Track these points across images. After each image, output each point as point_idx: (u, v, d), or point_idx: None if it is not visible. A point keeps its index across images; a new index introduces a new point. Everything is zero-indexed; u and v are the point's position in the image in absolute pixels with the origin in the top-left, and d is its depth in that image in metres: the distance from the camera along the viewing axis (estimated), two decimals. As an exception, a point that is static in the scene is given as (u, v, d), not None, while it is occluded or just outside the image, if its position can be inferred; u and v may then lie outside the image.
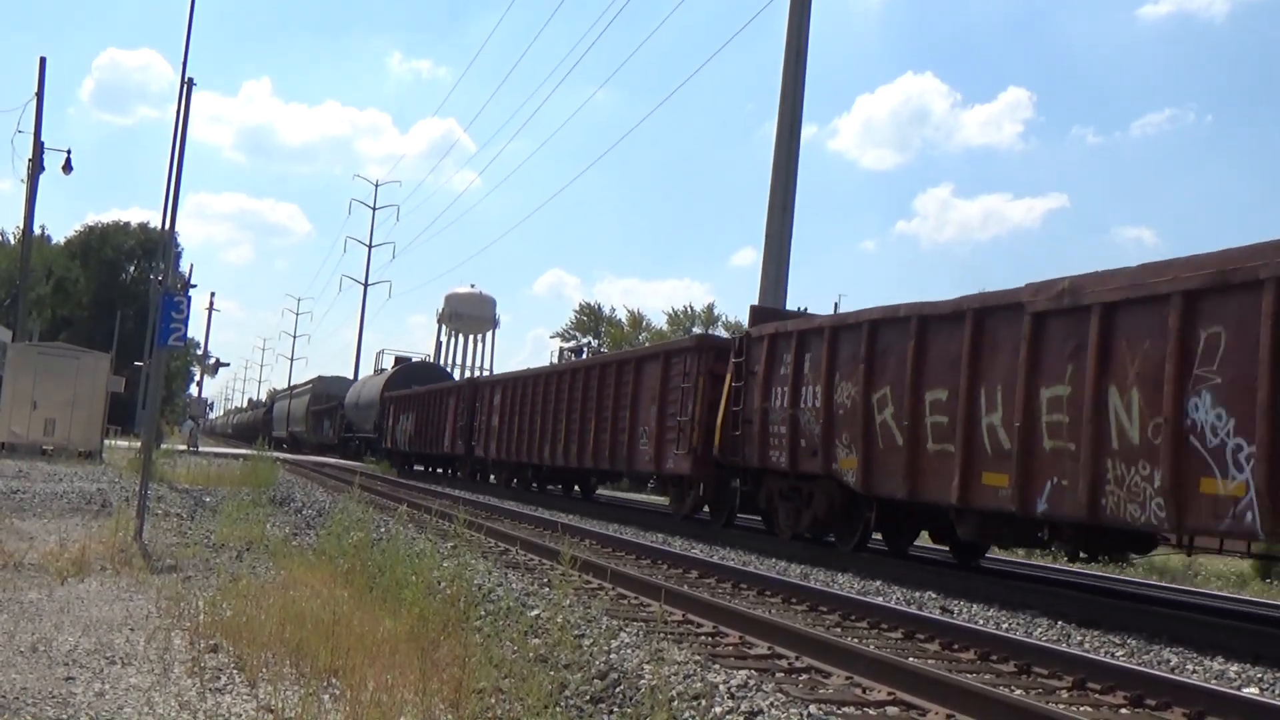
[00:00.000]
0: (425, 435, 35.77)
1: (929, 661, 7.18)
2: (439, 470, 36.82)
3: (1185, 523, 9.31)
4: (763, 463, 15.61)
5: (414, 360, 50.80)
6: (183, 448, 39.08)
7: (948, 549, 15.25)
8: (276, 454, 31.78)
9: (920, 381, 12.42)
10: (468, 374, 71.82)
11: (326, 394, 55.96)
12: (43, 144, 35.28)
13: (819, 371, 14.34)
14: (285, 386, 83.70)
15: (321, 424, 53.47)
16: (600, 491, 29.49)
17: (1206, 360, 9.08)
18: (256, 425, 74.60)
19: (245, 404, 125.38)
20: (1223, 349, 8.95)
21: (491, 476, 30.49)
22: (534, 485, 27.60)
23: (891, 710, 5.78)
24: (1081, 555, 13.11)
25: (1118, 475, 9.81)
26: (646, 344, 48.55)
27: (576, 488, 28.12)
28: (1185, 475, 9.12)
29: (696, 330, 60.63)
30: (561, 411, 23.86)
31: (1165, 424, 9.31)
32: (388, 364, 52.10)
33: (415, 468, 38.66)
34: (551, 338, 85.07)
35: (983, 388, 11.53)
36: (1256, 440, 8.53)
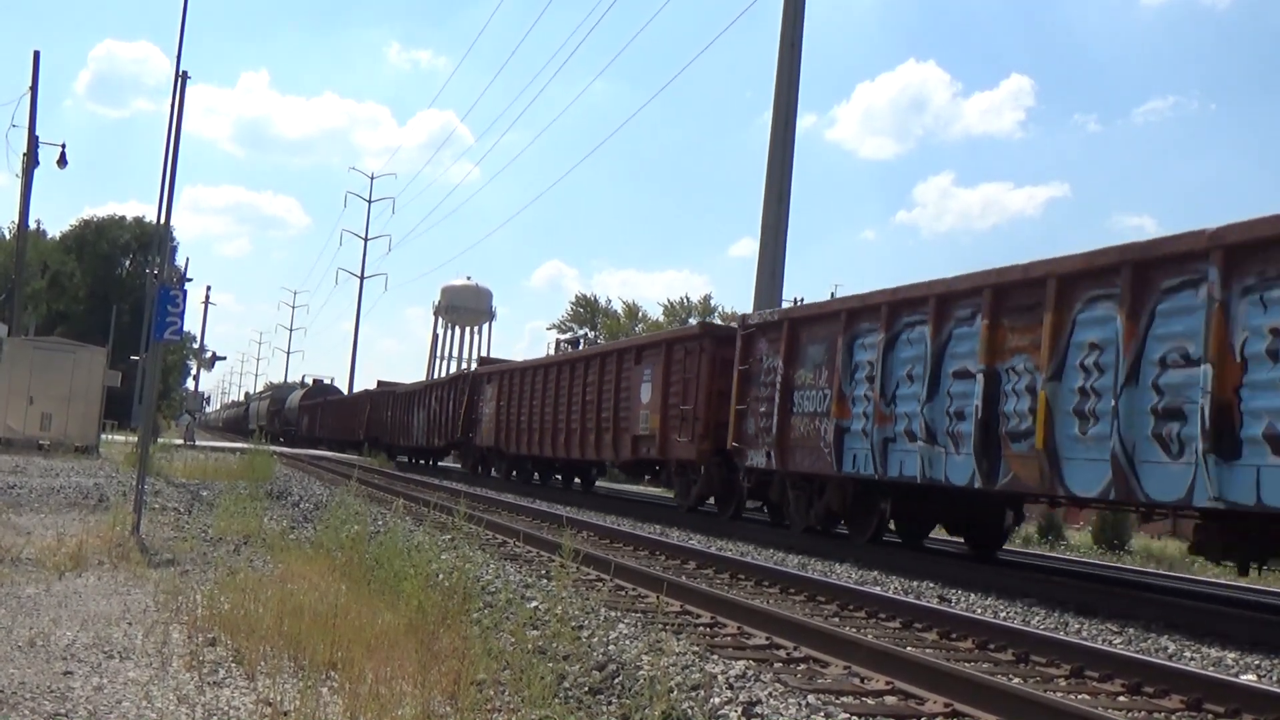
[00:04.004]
0: (314, 427, 64.11)
1: (927, 651, 7.19)
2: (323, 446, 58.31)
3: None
4: None
5: (324, 382, 77.37)
6: (179, 442, 39.04)
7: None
8: (273, 448, 31.71)
9: None
10: (463, 366, 73.11)
11: (280, 398, 78.64)
12: (37, 138, 35.15)
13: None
14: (276, 383, 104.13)
15: (274, 420, 74.09)
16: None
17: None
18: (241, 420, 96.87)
19: (242, 398, 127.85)
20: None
21: (322, 448, 54.24)
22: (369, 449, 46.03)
23: (890, 699, 5.79)
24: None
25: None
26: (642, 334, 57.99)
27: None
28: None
29: (693, 323, 60.98)
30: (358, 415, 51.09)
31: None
32: (350, 382, 77.53)
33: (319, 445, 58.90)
34: (548, 329, 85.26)
35: None
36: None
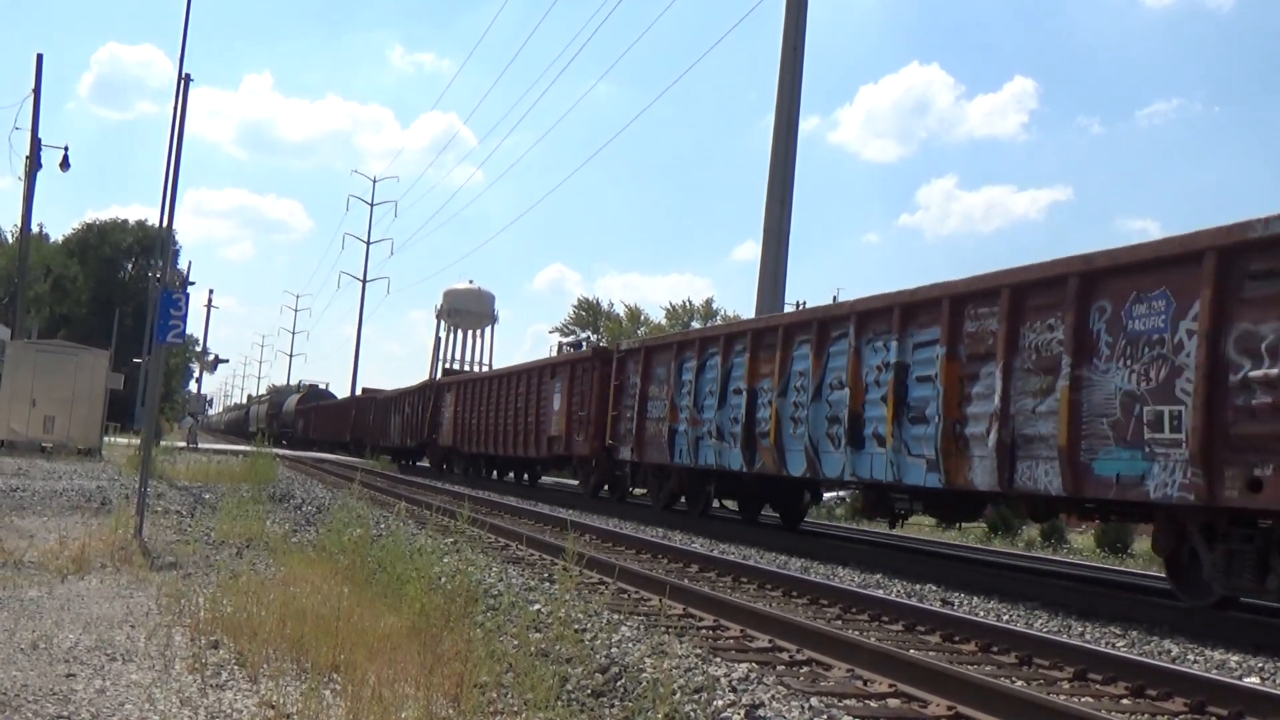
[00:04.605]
0: (308, 429, 67.54)
1: (930, 653, 7.18)
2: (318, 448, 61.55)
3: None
4: None
5: (318, 387, 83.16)
6: (182, 444, 39.07)
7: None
8: (276, 450, 31.83)
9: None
10: (468, 368, 73.56)
11: (278, 402, 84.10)
12: (40, 141, 35.22)
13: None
14: (279, 386, 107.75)
15: (272, 423, 76.48)
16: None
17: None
18: (242, 422, 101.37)
19: (245, 400, 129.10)
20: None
21: (315, 449, 57.06)
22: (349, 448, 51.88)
23: (893, 702, 5.79)
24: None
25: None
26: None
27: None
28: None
29: (695, 325, 61.58)
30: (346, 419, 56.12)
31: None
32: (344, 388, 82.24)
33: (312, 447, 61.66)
34: (551, 333, 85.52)
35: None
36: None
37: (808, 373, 14.80)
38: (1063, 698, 5.95)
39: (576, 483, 26.84)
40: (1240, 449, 8.83)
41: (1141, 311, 9.96)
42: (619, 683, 5.50)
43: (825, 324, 14.73)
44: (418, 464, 42.82)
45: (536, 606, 7.33)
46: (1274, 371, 8.65)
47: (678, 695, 5.16)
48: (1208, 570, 9.63)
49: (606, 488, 23.87)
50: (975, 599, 10.47)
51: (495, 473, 33.15)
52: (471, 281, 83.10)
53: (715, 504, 20.18)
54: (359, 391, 64.88)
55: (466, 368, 77.47)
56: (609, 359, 22.12)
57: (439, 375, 74.33)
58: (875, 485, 14.04)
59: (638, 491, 23.02)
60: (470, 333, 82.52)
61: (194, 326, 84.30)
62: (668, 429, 18.76)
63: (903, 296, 13.17)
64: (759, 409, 15.99)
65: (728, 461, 16.88)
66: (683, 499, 19.98)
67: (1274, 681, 7.09)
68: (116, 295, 75.23)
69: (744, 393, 16.31)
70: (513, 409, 28.18)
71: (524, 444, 27.27)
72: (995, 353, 11.47)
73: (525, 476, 31.28)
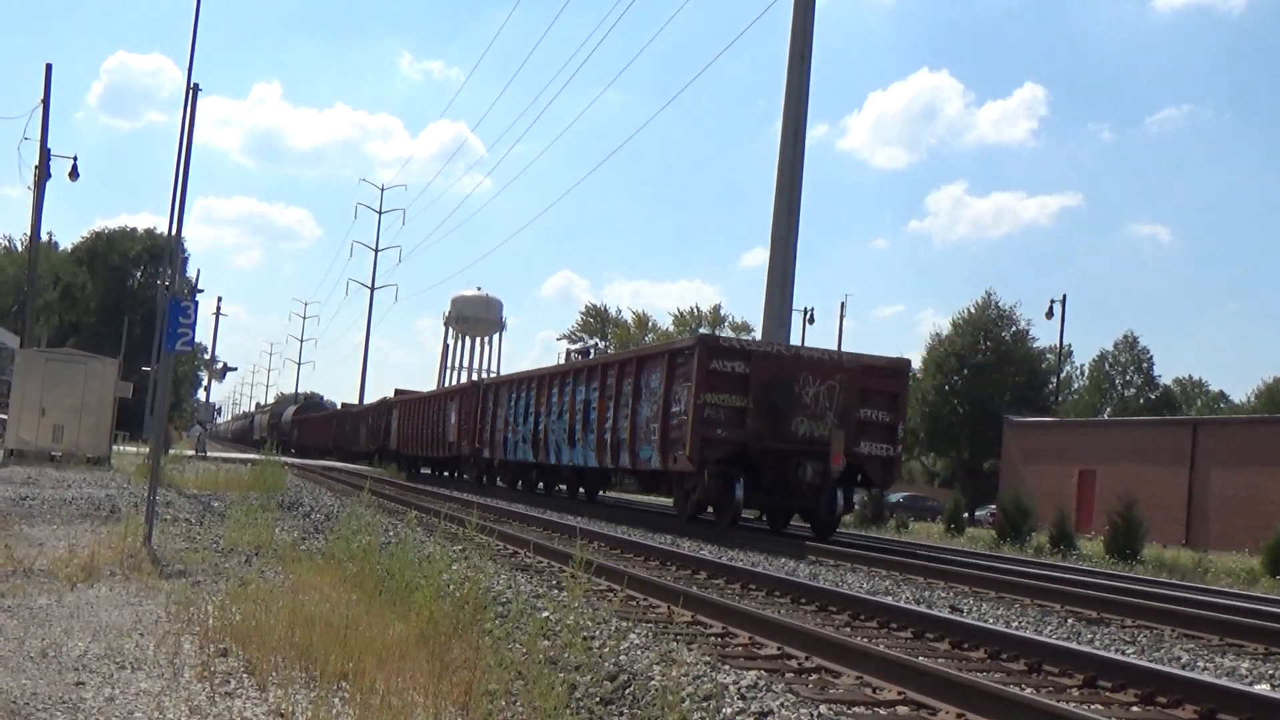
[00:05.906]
0: (301, 438, 74.22)
1: (939, 661, 7.16)
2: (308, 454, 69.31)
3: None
4: None
5: (316, 398, 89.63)
6: (191, 453, 39.15)
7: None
8: (284, 458, 31.99)
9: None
10: (474, 376, 73.80)
11: (279, 412, 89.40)
12: (49, 151, 35.39)
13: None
14: (287, 394, 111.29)
15: (273, 432, 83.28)
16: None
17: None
18: (247, 431, 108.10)
19: (254, 408, 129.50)
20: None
21: (308, 455, 64.75)
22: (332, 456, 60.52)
23: (902, 710, 5.77)
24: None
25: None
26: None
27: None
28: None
29: (704, 332, 61.70)
30: (330, 428, 64.67)
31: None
32: (347, 400, 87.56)
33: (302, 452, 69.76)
34: (559, 339, 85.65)
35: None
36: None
37: (556, 403, 25.20)
38: (1072, 705, 5.93)
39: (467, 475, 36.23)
40: (672, 444, 19.09)
41: (653, 379, 20.26)
42: (628, 690, 5.49)
43: (564, 375, 25.31)
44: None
45: (545, 614, 7.33)
46: (677, 409, 18.95)
47: (686, 703, 5.16)
48: (678, 503, 20.85)
49: (484, 478, 33.51)
50: (984, 606, 10.45)
51: (430, 470, 42.99)
52: (480, 289, 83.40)
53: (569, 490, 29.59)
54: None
55: (474, 375, 77.95)
56: (480, 389, 32.89)
57: (446, 383, 75.03)
58: (583, 468, 24.68)
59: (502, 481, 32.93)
60: (478, 340, 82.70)
61: (203, 334, 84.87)
62: (504, 437, 29.66)
63: (589, 362, 25.75)
64: (539, 424, 26.42)
65: (529, 457, 27.48)
66: (520, 483, 30.96)
67: (1285, 688, 7.06)
68: (125, 303, 75.59)
69: (533, 413, 26.89)
70: (430, 422, 38.95)
71: (436, 447, 38.19)
72: (614, 395, 21.81)
73: (462, 475, 38.33)
